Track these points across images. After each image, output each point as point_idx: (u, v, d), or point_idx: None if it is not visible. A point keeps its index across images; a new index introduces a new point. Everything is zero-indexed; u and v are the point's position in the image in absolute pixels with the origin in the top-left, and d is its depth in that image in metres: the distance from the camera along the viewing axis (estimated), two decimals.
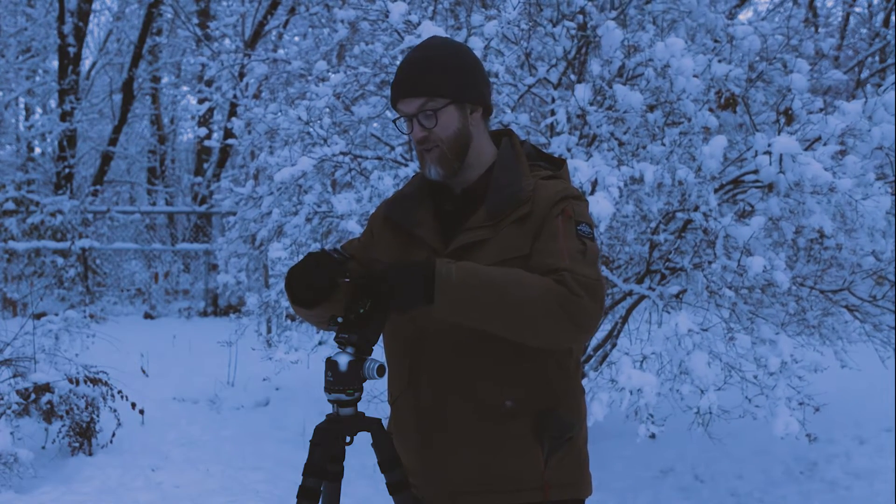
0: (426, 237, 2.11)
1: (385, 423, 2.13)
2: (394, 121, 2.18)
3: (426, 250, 2.10)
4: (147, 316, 12.67)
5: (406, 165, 5.16)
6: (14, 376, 5.38)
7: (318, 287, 2.02)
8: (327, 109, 5.10)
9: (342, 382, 1.95)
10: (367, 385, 2.03)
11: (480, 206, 2.08)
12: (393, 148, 5.56)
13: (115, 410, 5.73)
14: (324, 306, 2.06)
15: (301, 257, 4.65)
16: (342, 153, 5.02)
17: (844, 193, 3.90)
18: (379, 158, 5.36)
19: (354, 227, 4.59)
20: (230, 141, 8.72)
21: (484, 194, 2.09)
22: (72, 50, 14.48)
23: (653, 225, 4.94)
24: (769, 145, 4.06)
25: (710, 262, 4.40)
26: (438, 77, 2.05)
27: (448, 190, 2.16)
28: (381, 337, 2.05)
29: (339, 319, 1.99)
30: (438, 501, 2.11)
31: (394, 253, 2.15)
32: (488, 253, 2.03)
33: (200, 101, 13.95)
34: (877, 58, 10.75)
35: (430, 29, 4.39)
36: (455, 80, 2.07)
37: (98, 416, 5.63)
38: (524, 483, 2.06)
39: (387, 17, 4.68)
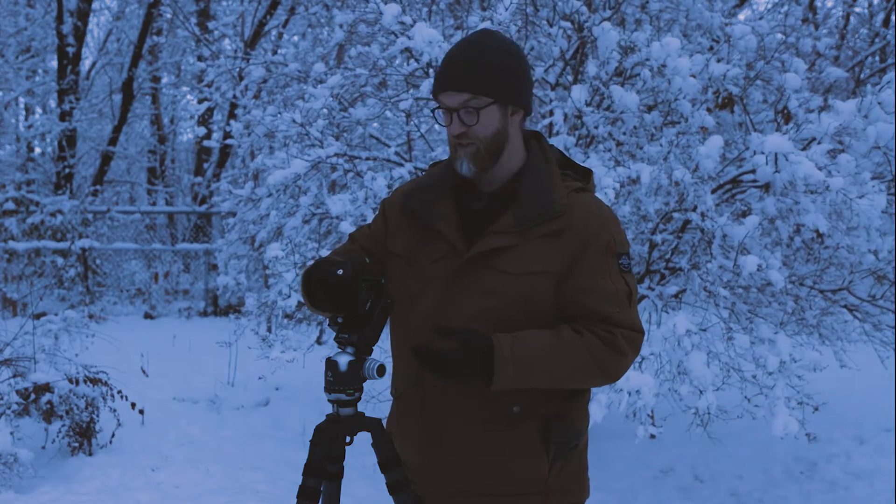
0: (448, 233, 2.08)
1: (385, 422, 2.13)
2: (432, 111, 2.15)
3: (445, 247, 2.08)
4: (147, 316, 12.67)
5: (402, 165, 5.16)
6: (14, 376, 5.38)
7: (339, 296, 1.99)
8: (324, 111, 5.10)
9: (342, 382, 1.96)
10: (367, 385, 2.04)
11: (508, 211, 2.05)
12: (389, 147, 5.56)
13: (114, 410, 5.73)
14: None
15: (298, 258, 4.62)
16: (336, 155, 5.01)
17: (838, 192, 3.90)
18: (374, 159, 5.37)
19: (349, 229, 4.58)
20: (229, 141, 8.72)
21: (512, 198, 2.07)
22: (71, 50, 14.48)
23: (651, 225, 4.94)
24: (762, 145, 4.06)
25: (707, 262, 4.41)
26: (486, 76, 2.02)
27: (472, 187, 2.12)
28: (382, 333, 2.05)
29: (340, 319, 1.99)
30: (440, 500, 2.12)
31: (409, 245, 2.13)
32: (511, 261, 2.02)
33: (200, 101, 13.94)
34: (877, 58, 10.74)
35: (423, 31, 4.39)
36: (502, 81, 2.04)
37: (98, 416, 5.63)
38: (526, 487, 2.06)
39: (381, 18, 4.69)
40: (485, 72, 2.02)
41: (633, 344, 2.01)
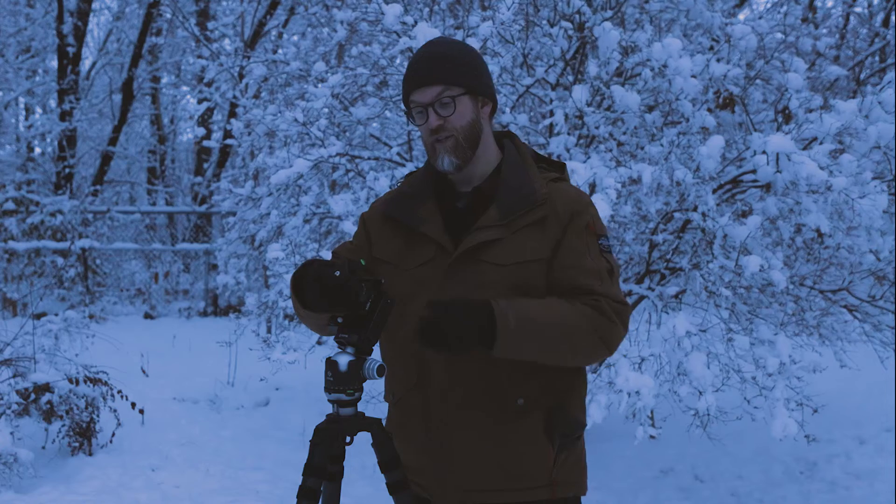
0: (433, 235, 2.11)
1: (384, 422, 2.13)
2: (406, 113, 2.19)
3: (433, 248, 2.11)
4: (147, 316, 12.67)
5: (403, 165, 5.16)
6: (14, 376, 5.38)
7: (332, 294, 1.96)
8: (325, 110, 5.10)
9: (342, 382, 1.96)
10: (366, 385, 2.03)
11: (490, 206, 2.09)
12: (390, 147, 5.56)
13: (115, 410, 5.73)
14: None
15: (298, 259, 4.62)
16: (339, 154, 5.01)
17: (840, 192, 3.90)
18: (376, 159, 5.37)
19: (351, 229, 4.59)
20: (229, 141, 8.72)
21: (493, 194, 2.11)
22: (71, 50, 14.48)
23: (652, 225, 4.94)
24: (764, 145, 4.06)
25: (708, 262, 4.41)
26: (455, 67, 2.10)
27: (452, 188, 2.17)
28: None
29: (340, 320, 1.99)
30: (447, 500, 2.12)
31: (395, 251, 2.16)
32: (500, 253, 2.05)
33: (200, 101, 13.94)
34: (877, 58, 10.74)
35: (425, 30, 4.39)
36: (469, 72, 2.12)
37: (98, 416, 5.63)
38: (534, 480, 2.08)
39: (383, 17, 4.68)
40: (453, 65, 2.10)
41: (619, 314, 2.04)
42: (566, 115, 4.62)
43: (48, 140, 15.84)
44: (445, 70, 2.08)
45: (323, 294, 1.93)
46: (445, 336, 1.90)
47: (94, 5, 15.99)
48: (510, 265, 2.04)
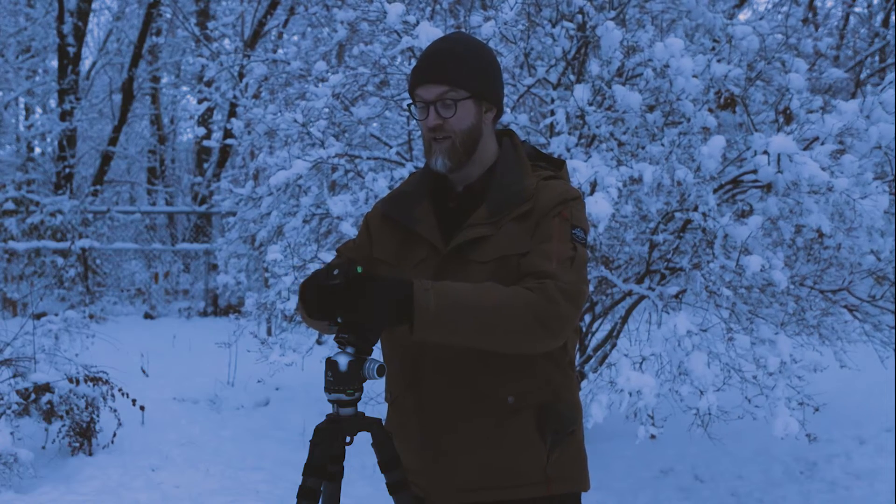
0: (427, 234, 2.12)
1: (384, 422, 2.13)
2: (408, 105, 2.19)
3: (426, 248, 2.12)
4: (147, 316, 12.66)
5: (403, 165, 5.16)
6: (14, 376, 5.38)
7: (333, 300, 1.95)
8: (326, 110, 5.10)
9: (342, 382, 1.95)
10: (366, 385, 2.03)
11: (482, 205, 2.10)
12: (390, 147, 5.56)
13: (115, 410, 5.73)
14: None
15: (297, 260, 4.64)
16: (338, 155, 5.01)
17: (842, 193, 3.90)
18: (375, 159, 5.36)
19: (350, 230, 4.58)
20: (229, 141, 8.72)
21: (485, 192, 2.12)
22: (71, 50, 14.47)
23: (652, 225, 4.94)
24: (766, 145, 4.06)
25: (708, 262, 4.40)
26: (464, 69, 2.08)
27: (449, 188, 2.18)
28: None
29: (339, 320, 1.99)
30: (443, 499, 2.12)
31: (393, 250, 2.17)
32: (488, 250, 2.05)
33: (200, 101, 13.93)
34: (877, 58, 10.74)
35: (427, 30, 4.39)
36: (478, 77, 2.10)
37: (98, 416, 5.63)
38: (528, 477, 2.08)
39: (384, 17, 4.68)
40: (463, 67, 2.08)
41: (565, 293, 1.95)
42: (567, 115, 4.61)
43: (48, 140, 15.83)
44: (453, 71, 2.07)
45: (322, 296, 1.93)
46: (355, 305, 1.88)
47: (94, 5, 15.99)
48: (493, 260, 2.04)
